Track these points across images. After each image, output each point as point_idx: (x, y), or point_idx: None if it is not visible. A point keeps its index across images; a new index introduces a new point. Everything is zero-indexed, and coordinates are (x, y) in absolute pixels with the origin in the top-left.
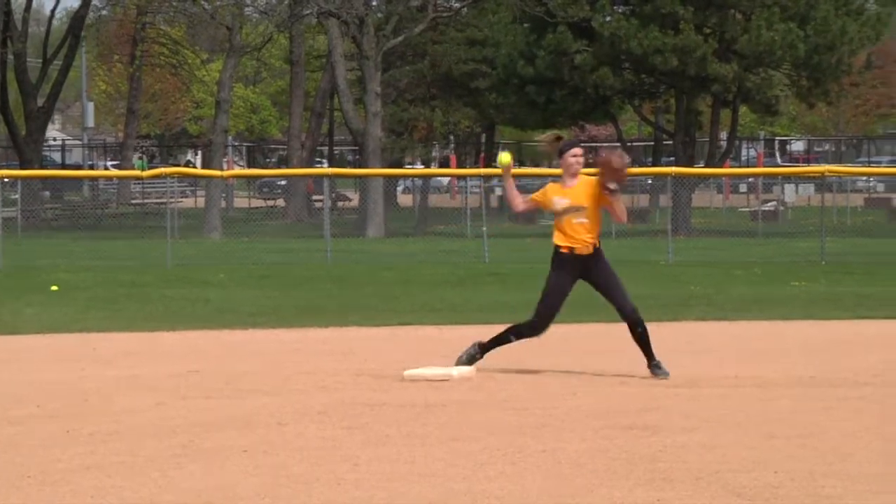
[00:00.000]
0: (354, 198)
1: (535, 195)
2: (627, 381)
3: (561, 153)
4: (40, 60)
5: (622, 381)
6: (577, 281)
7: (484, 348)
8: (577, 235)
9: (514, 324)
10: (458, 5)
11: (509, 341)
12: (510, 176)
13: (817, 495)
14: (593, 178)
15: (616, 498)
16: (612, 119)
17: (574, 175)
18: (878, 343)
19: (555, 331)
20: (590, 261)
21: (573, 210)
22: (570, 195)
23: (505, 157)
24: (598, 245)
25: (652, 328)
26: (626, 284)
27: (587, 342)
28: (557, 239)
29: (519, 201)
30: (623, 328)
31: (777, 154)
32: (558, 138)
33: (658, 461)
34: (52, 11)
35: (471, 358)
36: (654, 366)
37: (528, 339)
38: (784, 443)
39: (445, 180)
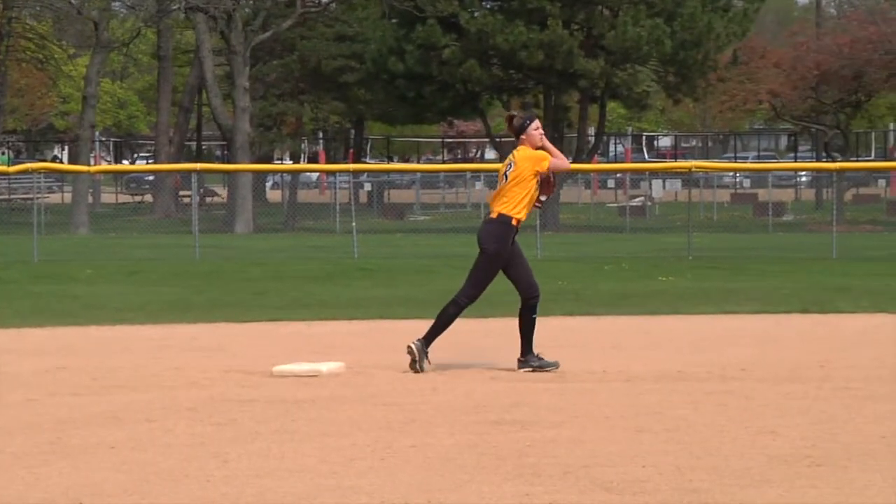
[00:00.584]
0: (223, 193)
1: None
2: (497, 377)
3: (523, 129)
4: None
5: (492, 377)
6: None
7: (426, 342)
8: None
9: (449, 302)
10: (326, 0)
11: (451, 322)
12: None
13: (685, 489)
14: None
15: (485, 492)
16: (481, 114)
17: (538, 145)
18: (744, 337)
19: (425, 327)
20: (517, 233)
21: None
22: None
23: None
24: None
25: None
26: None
27: (458, 337)
28: (520, 212)
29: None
30: (491, 324)
31: (644, 150)
32: (511, 118)
33: (527, 456)
34: None
35: (422, 355)
36: (530, 359)
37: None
38: (652, 437)
39: (314, 176)
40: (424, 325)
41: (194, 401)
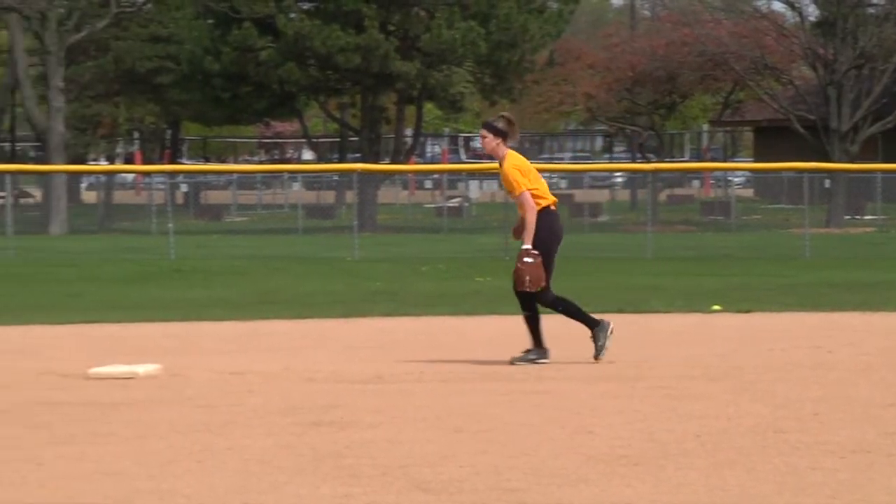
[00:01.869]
0: (37, 194)
1: None
2: (314, 378)
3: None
4: None
5: (308, 378)
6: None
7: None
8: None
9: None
10: (141, 1)
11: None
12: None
13: (502, 489)
14: (507, 165)
15: (303, 494)
16: (298, 115)
17: (492, 154)
18: (559, 337)
19: (241, 329)
20: None
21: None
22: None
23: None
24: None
25: (337, 324)
26: (306, 280)
27: (271, 339)
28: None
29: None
30: (326, 325)
31: (461, 150)
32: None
33: (344, 457)
34: None
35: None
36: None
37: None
38: (469, 437)
39: (131, 177)
40: (241, 327)
41: (7, 403)
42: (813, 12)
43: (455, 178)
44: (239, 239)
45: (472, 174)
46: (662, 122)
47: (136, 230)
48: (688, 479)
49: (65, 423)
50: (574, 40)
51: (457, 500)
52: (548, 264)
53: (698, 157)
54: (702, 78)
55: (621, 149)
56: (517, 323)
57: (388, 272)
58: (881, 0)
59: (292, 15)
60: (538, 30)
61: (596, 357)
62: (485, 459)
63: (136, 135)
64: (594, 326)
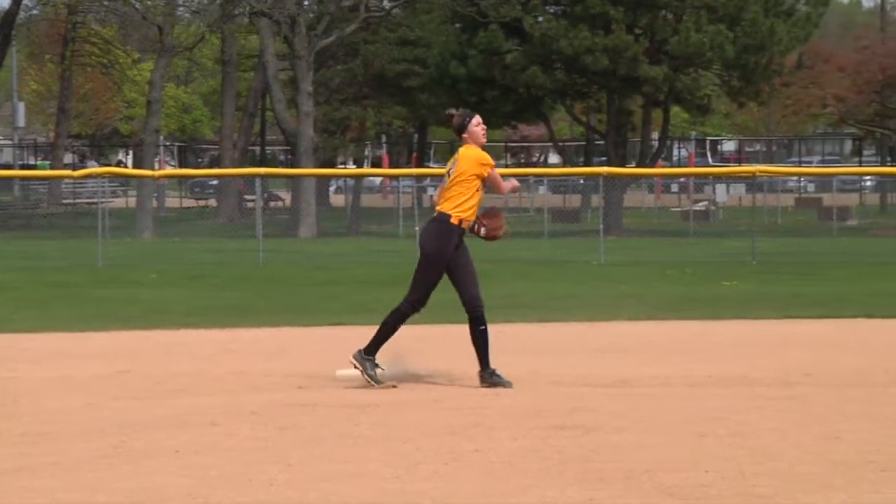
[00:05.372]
0: (287, 198)
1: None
2: (559, 381)
3: (464, 127)
4: None
5: (553, 381)
6: None
7: (369, 351)
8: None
9: (393, 311)
10: (389, 5)
11: (395, 331)
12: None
13: (748, 494)
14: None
15: (549, 498)
16: (544, 119)
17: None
18: (808, 342)
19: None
20: (462, 236)
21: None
22: None
23: None
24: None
25: (583, 328)
26: (552, 284)
27: (517, 342)
28: (463, 212)
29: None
30: (572, 329)
31: (708, 154)
32: (451, 116)
33: (590, 461)
34: None
35: (367, 363)
36: (486, 374)
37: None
38: (715, 442)
39: (378, 180)
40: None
41: (257, 405)
42: None
43: (702, 181)
44: (485, 242)
45: (719, 178)
46: None
47: (384, 233)
48: None
49: (313, 425)
50: (823, 43)
51: None
52: (433, 274)
53: None
54: None
55: (871, 152)
56: (764, 328)
57: (634, 276)
58: None
59: (539, 18)
60: (786, 34)
61: (352, 356)
62: (731, 465)
63: (383, 138)
64: (372, 354)
